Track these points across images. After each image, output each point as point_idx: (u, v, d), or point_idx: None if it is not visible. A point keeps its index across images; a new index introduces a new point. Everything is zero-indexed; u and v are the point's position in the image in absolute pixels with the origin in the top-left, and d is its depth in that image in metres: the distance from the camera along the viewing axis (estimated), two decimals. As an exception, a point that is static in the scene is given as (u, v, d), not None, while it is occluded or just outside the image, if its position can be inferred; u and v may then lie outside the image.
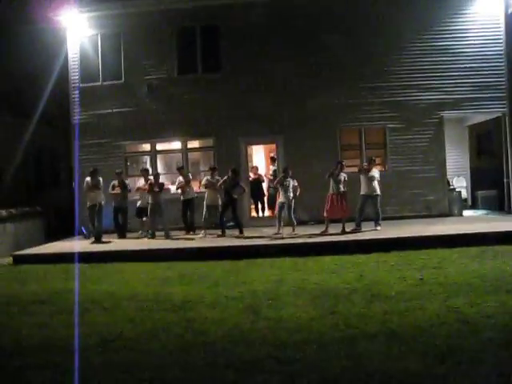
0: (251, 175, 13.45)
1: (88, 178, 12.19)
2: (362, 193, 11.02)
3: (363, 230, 10.84)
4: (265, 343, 4.55)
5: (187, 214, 12.26)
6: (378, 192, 10.94)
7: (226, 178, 11.39)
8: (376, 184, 10.90)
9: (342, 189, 10.69)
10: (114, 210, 12.31)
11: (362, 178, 11.02)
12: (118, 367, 4.17)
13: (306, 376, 3.78)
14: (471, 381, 3.56)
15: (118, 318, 5.64)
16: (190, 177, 12.51)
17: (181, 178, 12.25)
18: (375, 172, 10.97)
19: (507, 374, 3.64)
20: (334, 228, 10.89)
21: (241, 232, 11.32)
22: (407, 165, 12.98)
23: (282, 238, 10.42)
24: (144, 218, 12.27)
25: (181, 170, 12.48)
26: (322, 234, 10.69)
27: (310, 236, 10.55)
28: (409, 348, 4.23)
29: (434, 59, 12.87)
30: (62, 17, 13.54)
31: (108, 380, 3.93)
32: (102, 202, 12.07)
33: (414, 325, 4.85)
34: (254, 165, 14.26)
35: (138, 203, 12.31)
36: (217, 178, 11.62)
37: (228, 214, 11.60)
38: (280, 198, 11.07)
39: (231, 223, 11.89)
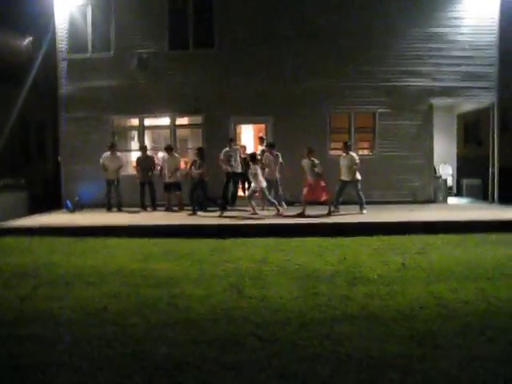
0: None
1: (107, 154, 12.32)
2: (342, 178, 11.10)
3: (346, 213, 10.95)
4: (247, 321, 4.61)
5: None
6: (358, 177, 11.02)
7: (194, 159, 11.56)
8: (355, 169, 10.97)
9: (316, 172, 10.64)
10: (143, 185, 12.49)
11: (342, 162, 11.10)
12: (100, 341, 4.19)
13: (287, 355, 3.85)
14: (447, 364, 3.65)
15: (103, 293, 5.65)
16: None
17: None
18: (353, 158, 11.03)
19: (481, 357, 3.75)
20: (319, 210, 10.96)
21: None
22: (395, 150, 13.04)
23: (263, 218, 10.45)
24: (177, 192, 12.25)
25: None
26: (299, 215, 10.69)
27: (295, 217, 10.61)
28: (388, 331, 4.32)
29: (427, 46, 12.84)
30: (51, -16, 13.22)
31: (91, 353, 3.95)
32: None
33: (395, 308, 4.94)
34: (242, 144, 14.21)
35: (166, 178, 12.20)
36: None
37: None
38: (252, 185, 11.12)
39: (219, 201, 11.89)
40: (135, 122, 13.88)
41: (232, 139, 12.26)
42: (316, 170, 10.66)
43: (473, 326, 4.43)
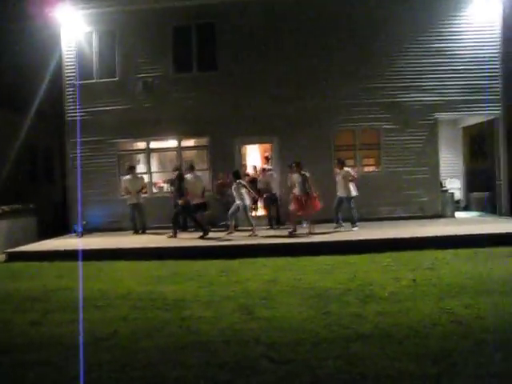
0: (250, 174, 13.45)
1: (128, 177, 12.34)
2: (338, 194, 11.12)
3: (347, 229, 10.97)
4: (258, 343, 4.55)
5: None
6: (354, 193, 11.00)
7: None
8: (351, 185, 10.98)
9: (302, 189, 10.63)
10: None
11: (337, 178, 11.13)
12: (111, 366, 4.15)
13: (300, 376, 3.78)
14: (464, 382, 3.57)
15: (112, 317, 5.62)
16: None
17: None
18: (348, 171, 11.07)
19: (500, 375, 3.66)
20: (324, 228, 10.92)
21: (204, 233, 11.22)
22: (401, 166, 13.03)
23: (256, 238, 10.46)
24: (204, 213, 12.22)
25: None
26: (291, 235, 10.68)
27: (301, 236, 10.57)
28: (402, 349, 4.25)
29: (430, 61, 12.92)
30: (57, 13, 13.48)
31: (101, 378, 3.91)
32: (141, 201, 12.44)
33: (408, 326, 4.86)
34: (253, 164, 14.24)
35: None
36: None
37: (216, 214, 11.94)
38: (236, 201, 11.13)
39: (223, 223, 11.93)
40: (141, 145, 13.97)
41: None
42: (307, 184, 10.63)
43: (488, 342, 4.34)
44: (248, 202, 11.11)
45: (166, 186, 13.41)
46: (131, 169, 12.61)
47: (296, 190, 10.77)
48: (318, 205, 10.69)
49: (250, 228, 11.11)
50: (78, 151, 13.37)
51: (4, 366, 4.27)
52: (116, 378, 3.89)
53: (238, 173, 11.32)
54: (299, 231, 10.91)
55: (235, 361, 4.13)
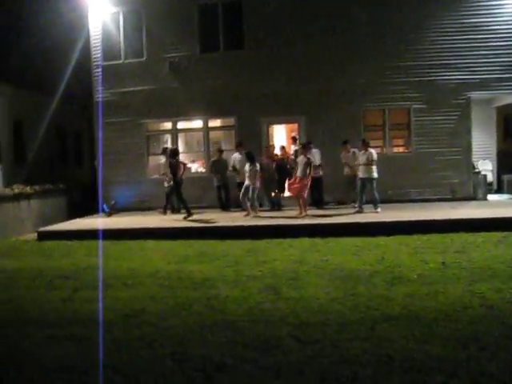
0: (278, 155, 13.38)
1: (163, 159, 12.46)
2: (360, 176, 10.93)
3: (374, 212, 10.83)
4: (285, 323, 4.55)
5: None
6: (375, 175, 10.81)
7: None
8: (374, 167, 10.79)
9: (305, 172, 10.55)
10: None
11: (361, 159, 10.95)
12: (139, 342, 4.23)
13: (327, 356, 3.78)
14: (494, 367, 3.50)
15: (140, 295, 5.71)
16: None
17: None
18: (372, 153, 10.86)
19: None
20: (346, 210, 10.81)
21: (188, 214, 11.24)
22: (432, 147, 12.74)
23: (297, 219, 10.39)
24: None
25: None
26: (299, 216, 10.62)
27: (330, 216, 10.50)
28: (431, 332, 4.19)
29: (464, 37, 12.49)
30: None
31: (131, 354, 3.98)
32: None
33: (436, 309, 4.79)
34: (282, 144, 14.15)
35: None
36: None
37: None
38: (246, 181, 11.10)
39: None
40: (168, 125, 14.03)
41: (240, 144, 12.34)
42: (308, 169, 10.55)
43: (520, 327, 4.25)
44: (258, 184, 11.11)
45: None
46: (164, 151, 12.62)
47: (299, 172, 10.71)
48: (304, 193, 10.71)
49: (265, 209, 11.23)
50: (100, 132, 13.58)
51: (39, 339, 4.39)
52: (145, 354, 3.96)
53: (251, 154, 11.24)
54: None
55: (261, 340, 4.15)
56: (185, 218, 11.11)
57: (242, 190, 11.23)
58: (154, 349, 4.07)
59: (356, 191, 11.27)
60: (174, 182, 11.44)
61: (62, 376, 3.64)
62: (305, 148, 10.91)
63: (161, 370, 3.65)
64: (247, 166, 11.10)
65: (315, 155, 11.70)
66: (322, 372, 3.52)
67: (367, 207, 11.00)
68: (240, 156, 11.99)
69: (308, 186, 10.79)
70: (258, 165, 11.15)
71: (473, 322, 4.39)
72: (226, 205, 12.54)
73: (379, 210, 10.86)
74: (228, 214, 11.63)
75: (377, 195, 10.92)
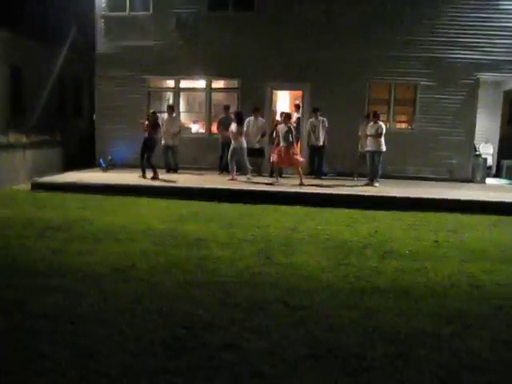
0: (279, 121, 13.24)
1: (166, 116, 12.23)
2: (368, 148, 10.84)
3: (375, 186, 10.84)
4: (274, 287, 4.57)
5: None
6: (383, 148, 10.75)
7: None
8: (382, 140, 10.71)
9: (289, 140, 10.48)
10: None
11: (370, 131, 10.84)
12: (126, 296, 4.24)
13: (314, 323, 3.80)
14: (476, 344, 3.53)
15: (131, 251, 5.71)
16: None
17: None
18: (382, 126, 10.79)
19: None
20: (352, 182, 10.78)
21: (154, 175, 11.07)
22: (434, 125, 12.59)
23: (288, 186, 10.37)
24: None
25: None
26: (273, 183, 10.63)
27: (328, 187, 10.48)
28: (418, 307, 4.22)
29: (478, 15, 12.14)
30: None
31: (118, 307, 3.99)
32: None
33: (425, 285, 4.82)
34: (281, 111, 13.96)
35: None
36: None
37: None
38: (233, 143, 11.07)
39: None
40: (171, 83, 13.79)
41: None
42: (291, 137, 10.49)
43: (506, 309, 4.27)
44: (245, 145, 11.09)
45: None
46: (170, 108, 12.39)
47: (280, 141, 10.64)
48: (297, 160, 10.65)
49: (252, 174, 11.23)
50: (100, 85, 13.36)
51: (26, 289, 4.39)
52: (132, 309, 3.97)
53: (241, 115, 11.19)
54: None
55: (250, 302, 4.17)
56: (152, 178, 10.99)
57: (230, 152, 11.15)
58: (141, 303, 4.08)
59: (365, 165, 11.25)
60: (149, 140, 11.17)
61: (46, 324, 3.65)
62: (287, 117, 10.83)
63: (146, 325, 3.66)
64: (234, 126, 10.98)
65: (320, 123, 11.59)
66: (307, 337, 3.54)
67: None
68: (255, 121, 11.82)
69: (297, 153, 10.72)
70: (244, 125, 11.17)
71: (460, 300, 4.43)
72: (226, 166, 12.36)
73: (377, 184, 10.82)
74: (226, 177, 11.53)
75: (380, 169, 10.87)
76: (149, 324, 3.68)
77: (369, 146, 10.90)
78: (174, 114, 12.44)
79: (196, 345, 3.37)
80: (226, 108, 12.45)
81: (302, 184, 10.49)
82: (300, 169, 10.76)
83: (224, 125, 12.07)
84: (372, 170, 10.92)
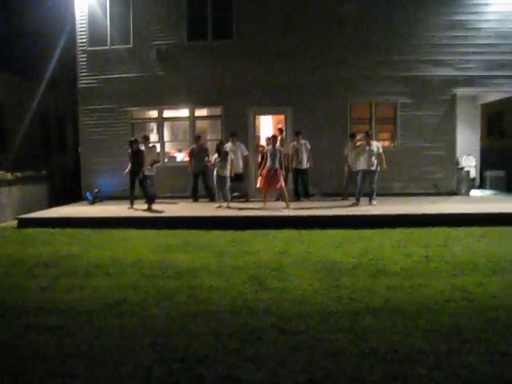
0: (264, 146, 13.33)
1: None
2: (361, 167, 10.93)
3: (362, 205, 10.87)
4: (268, 313, 4.53)
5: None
6: (376, 168, 10.87)
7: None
8: (374, 159, 10.84)
9: (276, 164, 10.52)
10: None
11: (362, 152, 10.92)
12: (119, 332, 4.17)
13: (310, 348, 3.76)
14: (475, 359, 3.52)
15: (122, 284, 5.63)
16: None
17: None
18: (375, 146, 10.90)
19: (510, 353, 3.61)
20: (336, 202, 10.83)
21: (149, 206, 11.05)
22: (417, 141, 12.81)
23: (282, 210, 10.37)
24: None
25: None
26: (262, 208, 10.61)
27: (315, 209, 10.51)
28: (413, 324, 4.20)
29: (450, 34, 12.53)
30: (70, -24, 13.25)
31: (111, 344, 3.92)
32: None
33: (419, 301, 4.81)
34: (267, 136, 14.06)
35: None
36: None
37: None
38: (220, 173, 11.02)
39: (236, 194, 11.90)
40: (154, 113, 13.87)
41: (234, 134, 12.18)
42: (277, 160, 10.53)
43: (501, 321, 4.28)
44: (228, 173, 11.07)
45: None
46: (145, 139, 12.39)
47: (268, 163, 10.64)
48: (277, 184, 10.65)
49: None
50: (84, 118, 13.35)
51: (16, 328, 4.30)
52: (125, 345, 3.90)
53: (222, 145, 11.27)
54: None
55: (244, 331, 4.12)
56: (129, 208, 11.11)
57: (215, 181, 11.13)
58: (134, 339, 4.01)
59: (353, 185, 11.35)
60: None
61: (38, 365, 3.57)
62: (275, 139, 10.87)
63: (141, 361, 3.60)
64: (215, 157, 11.02)
65: (303, 146, 11.71)
66: (304, 364, 3.50)
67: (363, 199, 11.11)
68: (233, 146, 11.87)
69: (280, 177, 10.69)
70: (231, 155, 11.18)
71: (454, 315, 4.42)
72: (208, 195, 12.37)
73: (375, 202, 10.91)
74: (213, 205, 11.52)
75: (375, 188, 10.99)
76: (143, 360, 3.61)
77: (362, 165, 10.97)
78: (151, 145, 12.36)
79: (192, 379, 3.31)
80: (198, 138, 12.50)
81: (288, 207, 10.51)
82: (285, 191, 10.79)
83: (196, 155, 12.14)
84: (370, 189, 10.99)
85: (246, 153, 12.14)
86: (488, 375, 3.31)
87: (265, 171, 10.70)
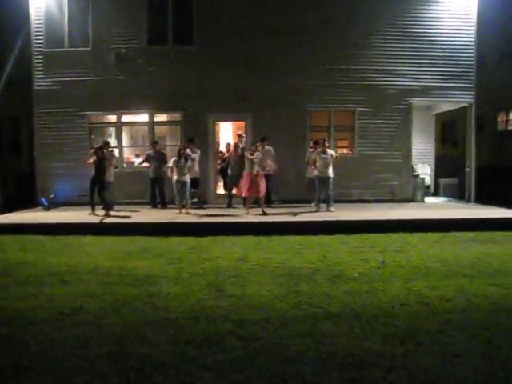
0: (224, 152, 13.35)
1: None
2: (320, 174, 11.09)
3: (321, 211, 11.03)
4: (227, 320, 4.52)
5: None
6: (331, 174, 11.06)
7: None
8: (330, 166, 11.03)
9: (256, 169, 10.65)
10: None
11: (318, 159, 11.09)
12: (75, 342, 4.05)
13: (268, 354, 3.77)
14: (429, 361, 3.62)
15: (78, 292, 5.49)
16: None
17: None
18: (331, 153, 11.13)
19: (462, 354, 3.74)
20: (298, 209, 10.93)
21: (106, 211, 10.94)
22: (374, 149, 13.11)
23: (241, 216, 10.37)
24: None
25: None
26: (246, 214, 10.71)
27: (275, 215, 10.58)
28: (370, 328, 4.28)
29: (406, 45, 12.95)
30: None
31: (66, 354, 3.81)
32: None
33: (376, 306, 4.92)
34: (227, 142, 14.07)
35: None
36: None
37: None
38: (181, 178, 10.96)
39: (194, 200, 11.82)
40: (112, 118, 13.63)
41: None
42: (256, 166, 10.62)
43: (453, 323, 4.43)
44: (188, 179, 11.04)
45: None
46: (106, 144, 12.09)
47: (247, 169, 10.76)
48: (257, 192, 10.75)
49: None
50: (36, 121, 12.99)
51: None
52: (80, 354, 3.80)
53: (184, 149, 11.21)
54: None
55: (203, 338, 4.09)
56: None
57: (175, 186, 11.00)
58: (90, 348, 3.91)
59: (313, 191, 11.48)
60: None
61: (-12, 377, 3.43)
62: (256, 147, 10.89)
63: (97, 371, 3.51)
64: (173, 161, 10.93)
65: (268, 152, 11.75)
66: (263, 370, 3.50)
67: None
68: (192, 154, 11.78)
69: (262, 181, 10.81)
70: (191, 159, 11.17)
71: (410, 319, 4.54)
72: (161, 201, 12.25)
73: (333, 209, 11.06)
74: (172, 211, 11.41)
75: (331, 194, 11.14)
76: (99, 369, 3.53)
77: (320, 172, 11.11)
78: (110, 149, 12.14)
79: (150, 387, 3.26)
80: (155, 143, 12.41)
81: (264, 213, 10.59)
82: (262, 197, 10.84)
83: (153, 161, 12.05)
84: (327, 195, 11.14)
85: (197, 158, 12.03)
86: (442, 376, 3.41)
87: (246, 177, 10.69)
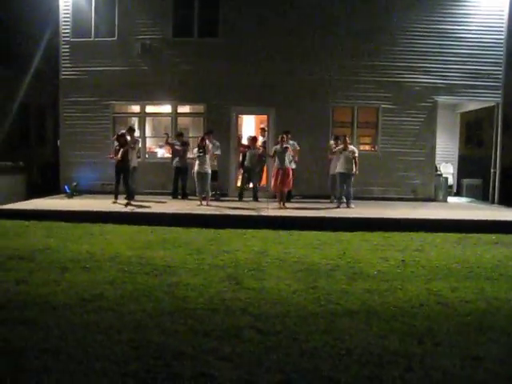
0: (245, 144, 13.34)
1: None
2: (342, 170, 11.01)
3: (341, 207, 11.02)
4: (245, 313, 4.54)
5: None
6: (354, 171, 10.99)
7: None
8: (353, 162, 10.95)
9: (286, 164, 10.66)
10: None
11: (341, 155, 11.01)
12: (96, 328, 4.13)
13: (286, 348, 3.79)
14: (447, 362, 3.60)
15: (99, 279, 5.58)
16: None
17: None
18: (354, 150, 11.06)
19: (480, 357, 3.70)
20: (319, 204, 10.90)
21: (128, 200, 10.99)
22: (397, 147, 12.96)
23: (261, 210, 10.39)
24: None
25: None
26: (280, 208, 10.73)
27: (294, 210, 10.57)
28: (388, 327, 4.27)
29: (434, 42, 12.73)
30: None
31: (86, 340, 3.88)
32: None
33: (395, 305, 4.88)
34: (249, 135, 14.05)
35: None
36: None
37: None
38: (202, 169, 10.96)
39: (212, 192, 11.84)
40: (136, 108, 13.75)
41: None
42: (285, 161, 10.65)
43: (473, 325, 4.38)
44: (209, 170, 11.06)
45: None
46: (131, 130, 12.15)
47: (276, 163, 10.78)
48: (283, 186, 10.81)
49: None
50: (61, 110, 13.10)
51: (-11, 321, 4.23)
52: (101, 340, 3.87)
53: (204, 141, 11.17)
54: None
55: (221, 329, 4.13)
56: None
57: (196, 177, 11.05)
58: (110, 335, 3.98)
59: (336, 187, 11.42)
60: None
61: (10, 360, 3.51)
62: (282, 139, 10.86)
63: (117, 357, 3.57)
64: (197, 151, 10.94)
65: (291, 147, 11.70)
66: (280, 364, 3.52)
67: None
68: (210, 144, 11.82)
69: (290, 176, 10.86)
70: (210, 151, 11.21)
71: (429, 319, 4.50)
72: (182, 192, 12.32)
73: (353, 205, 11.02)
74: (193, 202, 11.47)
75: (351, 191, 11.08)
76: (119, 356, 3.59)
77: (342, 168, 11.03)
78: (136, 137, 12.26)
79: (168, 376, 3.31)
80: (180, 134, 12.47)
81: (284, 207, 10.65)
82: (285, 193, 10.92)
83: (177, 151, 12.15)
84: (348, 192, 11.08)
85: (218, 152, 12.08)
86: (459, 378, 3.38)
87: (274, 172, 10.76)
